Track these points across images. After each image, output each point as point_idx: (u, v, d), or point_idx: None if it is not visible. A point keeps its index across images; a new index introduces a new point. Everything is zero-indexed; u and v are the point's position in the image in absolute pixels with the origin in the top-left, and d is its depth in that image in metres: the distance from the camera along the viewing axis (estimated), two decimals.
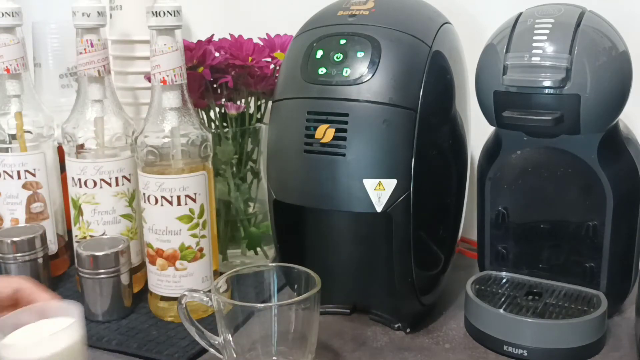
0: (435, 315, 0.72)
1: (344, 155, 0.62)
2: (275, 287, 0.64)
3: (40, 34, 1.00)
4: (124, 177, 0.75)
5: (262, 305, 0.58)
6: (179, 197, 0.68)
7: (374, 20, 0.65)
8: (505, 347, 0.64)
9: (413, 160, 0.62)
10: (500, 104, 0.64)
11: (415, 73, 0.63)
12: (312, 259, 0.71)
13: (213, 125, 0.83)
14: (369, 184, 0.62)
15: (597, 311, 0.64)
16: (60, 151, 0.81)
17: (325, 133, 0.62)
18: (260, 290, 0.63)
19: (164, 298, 0.71)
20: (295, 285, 0.62)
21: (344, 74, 0.63)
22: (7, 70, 0.78)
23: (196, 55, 0.77)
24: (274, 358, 0.59)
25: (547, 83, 0.60)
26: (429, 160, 0.64)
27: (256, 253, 0.85)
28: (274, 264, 0.65)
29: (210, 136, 0.71)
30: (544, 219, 0.70)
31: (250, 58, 0.79)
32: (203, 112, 0.82)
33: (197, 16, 1.03)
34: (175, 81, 0.67)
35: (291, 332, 0.58)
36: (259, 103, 0.83)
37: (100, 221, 0.75)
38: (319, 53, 0.64)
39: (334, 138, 0.62)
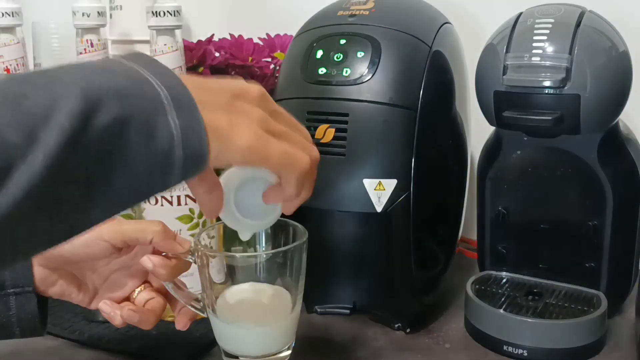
0: (435, 315, 0.72)
1: (344, 155, 0.62)
2: (263, 239, 0.61)
3: (40, 34, 1.00)
4: None
5: (249, 254, 0.56)
6: (179, 197, 0.68)
7: (374, 20, 0.65)
8: (505, 347, 0.64)
9: (413, 160, 0.62)
10: (500, 104, 0.64)
11: (415, 73, 0.63)
12: (312, 259, 0.71)
13: None
14: (369, 184, 0.62)
15: (597, 311, 0.63)
16: None
17: (325, 133, 0.62)
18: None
19: None
20: (282, 238, 0.60)
21: (344, 74, 0.63)
22: (7, 70, 0.78)
23: (196, 55, 0.77)
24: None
25: (547, 83, 0.60)
26: (429, 160, 0.64)
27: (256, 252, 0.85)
28: None
29: None
30: (544, 219, 0.70)
31: (250, 58, 0.79)
32: None
33: (197, 16, 1.03)
34: None
35: (279, 283, 0.57)
36: None
37: None
38: (319, 53, 0.64)
39: (334, 138, 0.62)
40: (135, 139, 0.35)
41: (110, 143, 0.34)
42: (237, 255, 0.58)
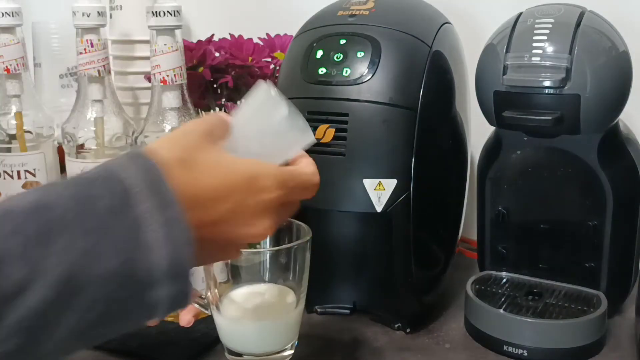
0: (435, 315, 0.72)
1: (343, 155, 0.62)
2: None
3: (40, 34, 1.00)
4: None
5: (254, 250, 0.57)
6: None
7: (374, 20, 0.65)
8: (505, 347, 0.64)
9: (413, 160, 0.62)
10: (500, 104, 0.64)
11: (415, 73, 0.63)
12: (312, 259, 0.71)
13: None
14: (369, 184, 0.62)
15: (597, 311, 0.63)
16: (60, 151, 0.81)
17: (325, 133, 0.62)
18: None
19: None
20: (286, 237, 0.60)
21: (344, 74, 0.63)
22: (7, 70, 0.78)
23: (196, 55, 0.77)
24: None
25: (547, 83, 0.60)
26: (429, 160, 0.64)
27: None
28: None
29: None
30: (544, 219, 0.70)
31: (250, 58, 0.79)
32: (203, 112, 0.82)
33: (197, 16, 1.03)
34: (175, 81, 0.68)
35: (282, 281, 0.57)
36: None
37: None
38: (319, 53, 0.64)
39: (334, 138, 0.62)
40: (119, 314, 0.35)
41: (88, 319, 0.33)
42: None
